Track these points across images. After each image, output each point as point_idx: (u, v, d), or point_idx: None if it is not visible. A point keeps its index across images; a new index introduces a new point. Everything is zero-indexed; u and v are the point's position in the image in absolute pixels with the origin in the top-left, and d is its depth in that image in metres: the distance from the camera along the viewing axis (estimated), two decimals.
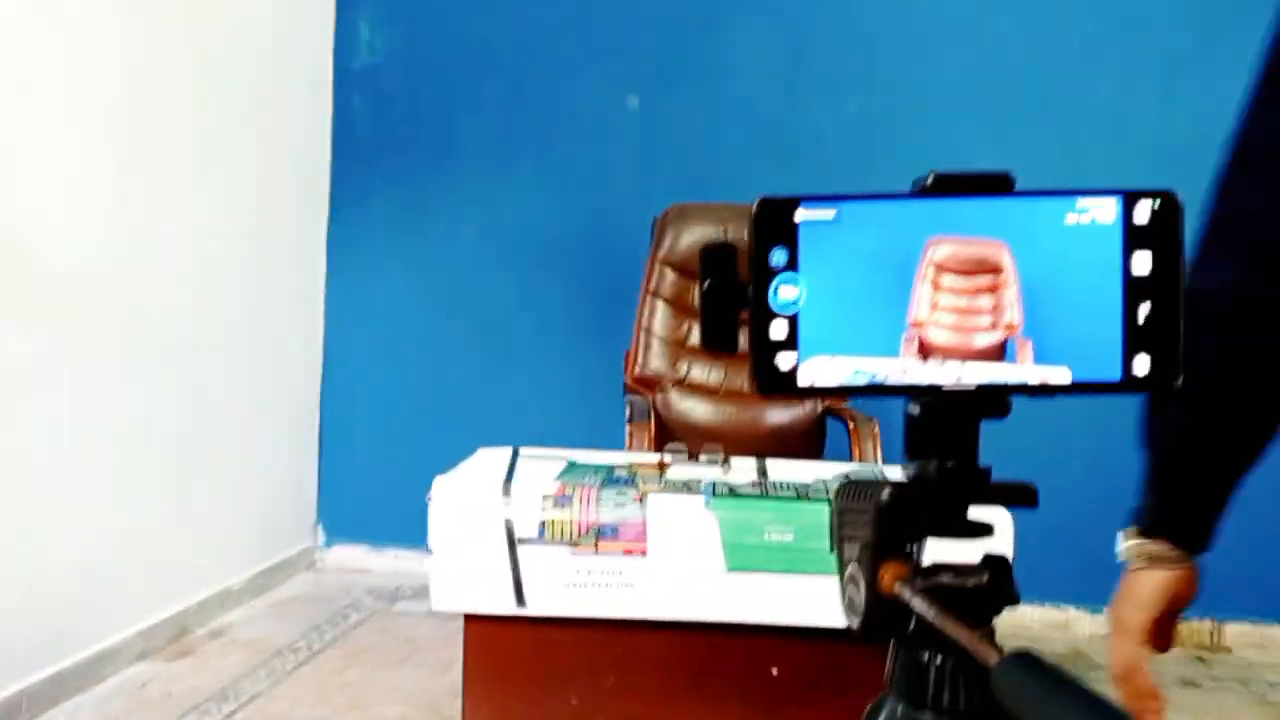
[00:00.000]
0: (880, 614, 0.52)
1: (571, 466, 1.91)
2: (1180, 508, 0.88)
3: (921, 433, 0.55)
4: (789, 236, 0.52)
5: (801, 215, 0.52)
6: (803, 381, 0.53)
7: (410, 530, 2.38)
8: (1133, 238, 0.52)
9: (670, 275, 2.78)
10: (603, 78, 3.26)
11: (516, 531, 1.71)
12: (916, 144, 3.09)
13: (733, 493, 1.77)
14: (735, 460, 1.99)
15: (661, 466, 1.94)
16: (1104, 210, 0.53)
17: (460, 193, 3.34)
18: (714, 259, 0.54)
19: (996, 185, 0.52)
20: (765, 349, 0.53)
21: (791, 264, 0.52)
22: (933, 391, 0.53)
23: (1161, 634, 0.87)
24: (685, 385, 2.77)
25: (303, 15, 3.26)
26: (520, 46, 3.29)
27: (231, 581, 3.05)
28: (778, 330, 0.53)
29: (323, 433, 3.49)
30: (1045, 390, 0.53)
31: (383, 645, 2.82)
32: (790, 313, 0.52)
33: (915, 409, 0.55)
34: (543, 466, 1.88)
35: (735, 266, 0.54)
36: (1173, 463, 0.88)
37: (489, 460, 1.91)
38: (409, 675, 2.62)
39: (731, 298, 0.54)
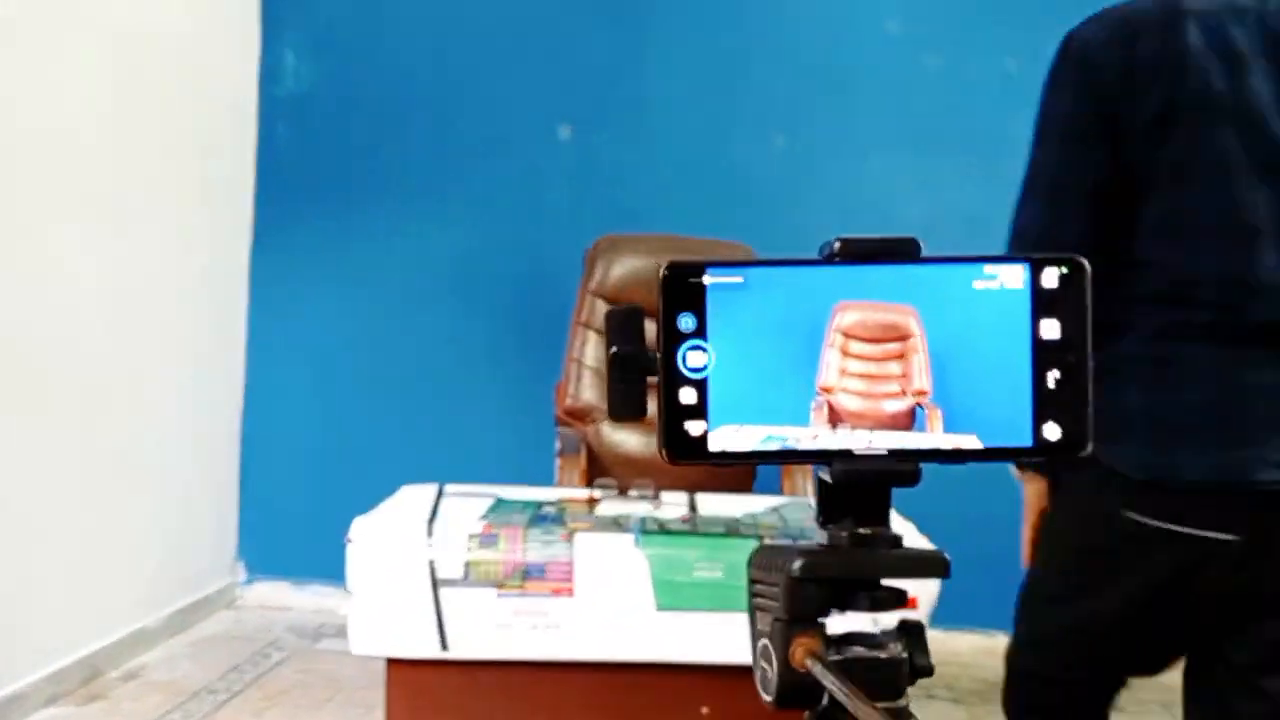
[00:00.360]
0: (793, 690, 0.51)
1: (498, 504, 1.87)
2: None
3: (833, 499, 0.54)
4: (697, 301, 0.51)
5: (709, 280, 0.51)
6: (714, 447, 0.52)
7: (334, 566, 2.31)
8: (1041, 303, 0.52)
9: (602, 306, 2.76)
10: (533, 108, 3.25)
11: (439, 573, 1.67)
12: (842, 180, 3.14)
13: (662, 529, 1.75)
14: (666, 495, 1.98)
15: (591, 503, 1.92)
16: (1012, 276, 0.52)
17: (388, 223, 3.29)
18: (620, 323, 0.53)
19: (903, 251, 0.52)
20: (674, 415, 0.51)
21: (700, 329, 0.51)
22: (844, 457, 0.52)
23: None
24: None
25: (228, 42, 3.20)
26: (449, 77, 3.27)
27: (147, 620, 2.94)
28: (687, 396, 0.51)
29: (244, 466, 3.40)
30: (956, 457, 0.52)
31: (305, 685, 2.74)
32: (699, 378, 0.51)
33: (826, 475, 0.54)
34: (468, 505, 1.84)
35: (642, 331, 0.53)
36: None
37: (412, 499, 1.87)
38: (331, 717, 2.55)
39: (638, 363, 0.52)
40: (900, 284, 0.52)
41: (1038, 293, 0.53)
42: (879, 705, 0.47)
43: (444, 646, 1.68)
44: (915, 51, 3.12)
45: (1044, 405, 0.52)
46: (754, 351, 0.52)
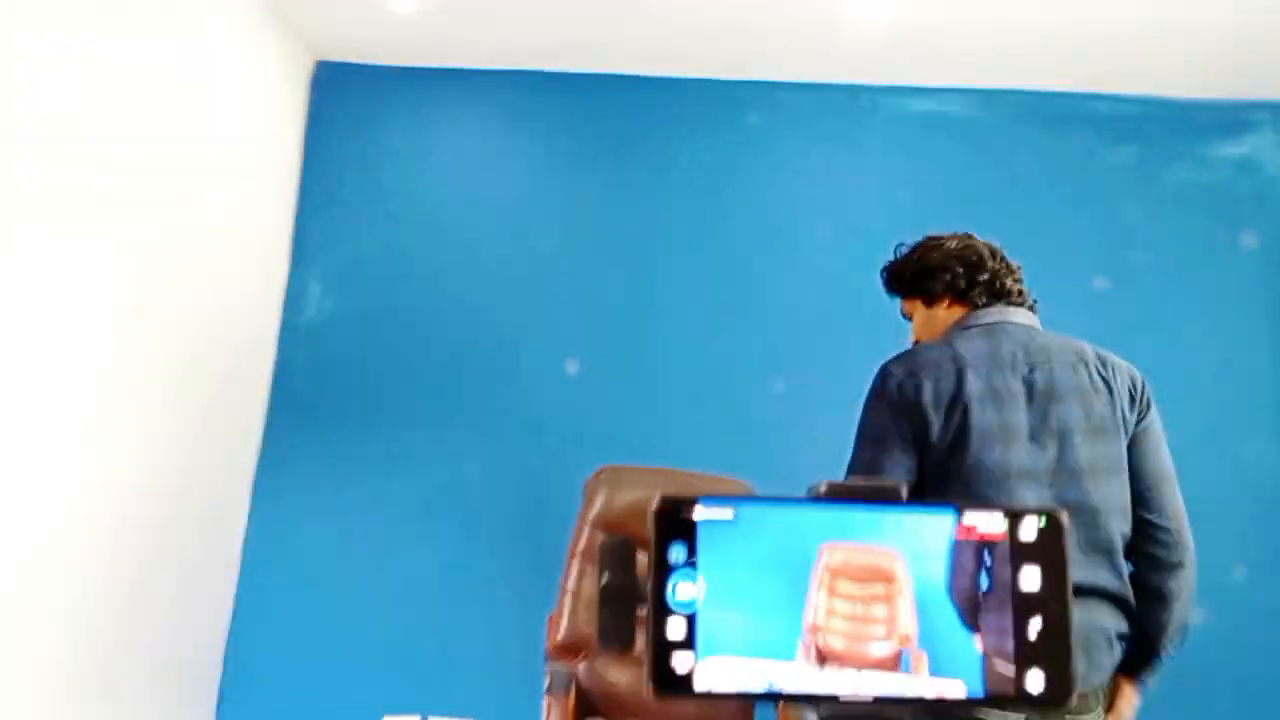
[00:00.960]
0: None
1: None
2: None
3: None
4: (688, 534, 0.53)
5: (700, 514, 0.53)
6: (699, 686, 0.52)
7: None
8: (1020, 553, 0.54)
9: (599, 537, 2.75)
10: (543, 342, 3.36)
11: None
12: (838, 423, 3.20)
13: None
14: None
15: None
16: (991, 525, 0.55)
17: (394, 451, 3.34)
18: (612, 554, 0.54)
19: (886, 496, 0.54)
20: (662, 649, 0.52)
21: (690, 561, 0.53)
22: (831, 701, 0.53)
23: None
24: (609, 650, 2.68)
25: (255, 268, 3.37)
26: (464, 310, 3.41)
27: None
28: (675, 629, 0.52)
29: (224, 686, 3.28)
30: (940, 706, 0.52)
31: None
32: (688, 612, 0.52)
33: (814, 717, 0.54)
34: None
35: (634, 562, 0.55)
36: None
37: None
38: None
39: (629, 595, 0.54)
40: (884, 527, 0.54)
41: (1016, 543, 0.54)
42: None
43: None
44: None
45: (1026, 654, 0.53)
46: (743, 585, 0.53)
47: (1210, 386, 3.16)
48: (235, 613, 3.31)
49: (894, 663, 0.53)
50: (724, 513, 0.54)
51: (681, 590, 0.53)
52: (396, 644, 3.23)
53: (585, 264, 3.41)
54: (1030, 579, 0.54)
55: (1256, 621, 3.03)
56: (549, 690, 2.50)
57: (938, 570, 0.54)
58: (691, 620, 0.53)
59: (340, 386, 3.40)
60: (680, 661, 0.52)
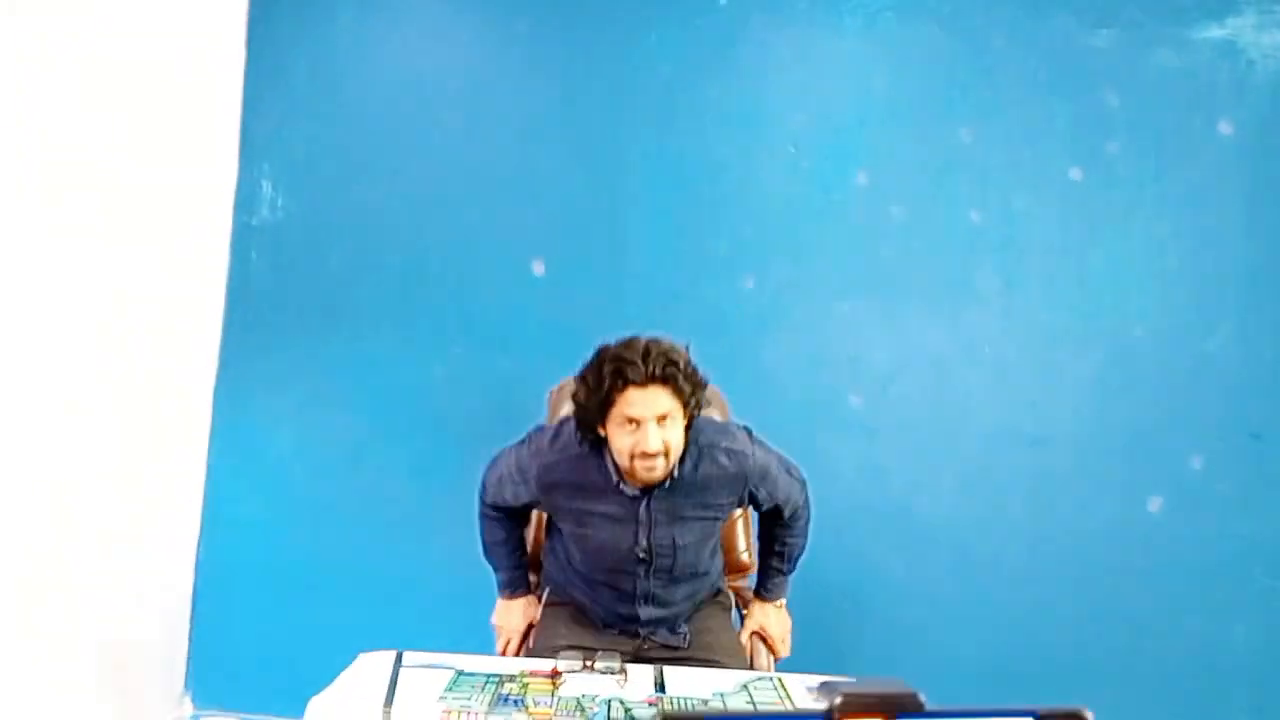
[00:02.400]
0: None
1: (458, 678, 1.83)
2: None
3: None
4: None
5: None
6: None
7: (286, 700, 2.25)
8: None
9: None
10: (507, 243, 3.28)
11: None
12: (809, 322, 3.19)
13: (628, 714, 1.71)
14: (632, 669, 1.94)
15: (555, 676, 1.88)
16: None
17: (356, 354, 3.28)
18: None
19: (906, 705, 0.51)
20: None
21: None
22: None
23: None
24: None
25: (202, 168, 3.22)
26: (425, 209, 3.29)
27: None
28: None
29: (196, 595, 3.31)
30: None
31: None
32: None
33: None
34: (426, 680, 1.80)
35: None
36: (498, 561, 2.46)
37: (368, 672, 1.82)
38: None
39: None
40: None
41: None
42: None
43: None
44: (882, 203, 3.20)
45: None
46: None
47: (1179, 278, 3.15)
48: (203, 521, 3.31)
49: None
50: None
51: None
52: (368, 546, 3.26)
53: (548, 158, 3.29)
54: None
55: (1213, 508, 3.12)
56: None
57: None
58: None
59: (299, 289, 3.31)
60: None
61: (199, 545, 3.31)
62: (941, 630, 3.15)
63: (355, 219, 3.30)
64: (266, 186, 3.31)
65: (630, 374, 2.03)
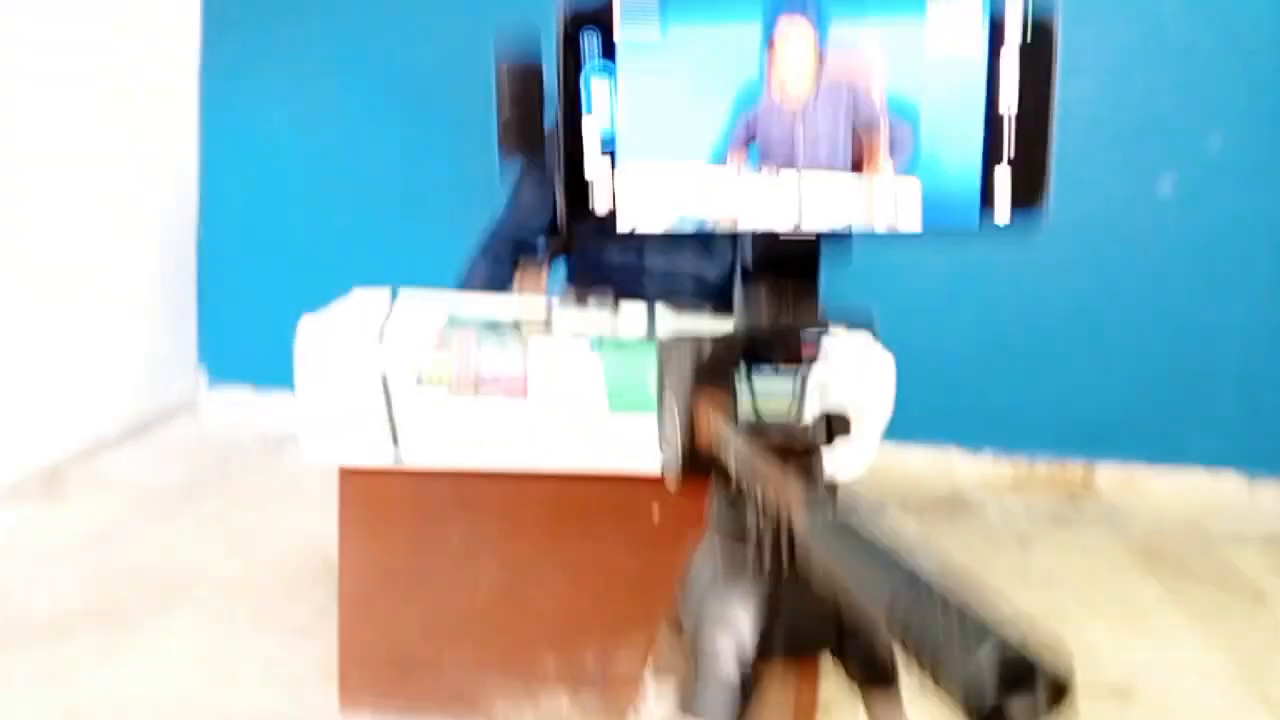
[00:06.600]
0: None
1: (452, 320, 1.83)
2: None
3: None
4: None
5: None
6: (622, 225, 0.47)
7: None
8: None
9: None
10: None
11: (391, 376, 1.65)
12: None
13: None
14: (625, 305, 1.94)
15: (548, 313, 1.88)
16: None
17: (343, 38, 3.13)
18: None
19: None
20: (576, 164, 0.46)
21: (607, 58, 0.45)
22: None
23: None
24: None
25: None
26: None
27: (108, 427, 2.94)
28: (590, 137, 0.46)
29: (200, 271, 3.33)
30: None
31: (265, 488, 2.77)
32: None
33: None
34: (422, 310, 1.80)
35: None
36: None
37: (364, 302, 1.82)
38: (292, 518, 2.58)
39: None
40: None
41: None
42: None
43: (397, 453, 1.67)
44: None
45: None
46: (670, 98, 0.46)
47: None
48: (202, 198, 3.28)
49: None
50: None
51: (597, 89, 0.46)
52: (367, 219, 3.24)
53: None
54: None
55: (1227, 183, 3.03)
56: None
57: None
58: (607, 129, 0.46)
59: None
60: (597, 172, 0.47)
61: (199, 222, 3.29)
62: (939, 307, 3.15)
63: None
64: None
65: None
